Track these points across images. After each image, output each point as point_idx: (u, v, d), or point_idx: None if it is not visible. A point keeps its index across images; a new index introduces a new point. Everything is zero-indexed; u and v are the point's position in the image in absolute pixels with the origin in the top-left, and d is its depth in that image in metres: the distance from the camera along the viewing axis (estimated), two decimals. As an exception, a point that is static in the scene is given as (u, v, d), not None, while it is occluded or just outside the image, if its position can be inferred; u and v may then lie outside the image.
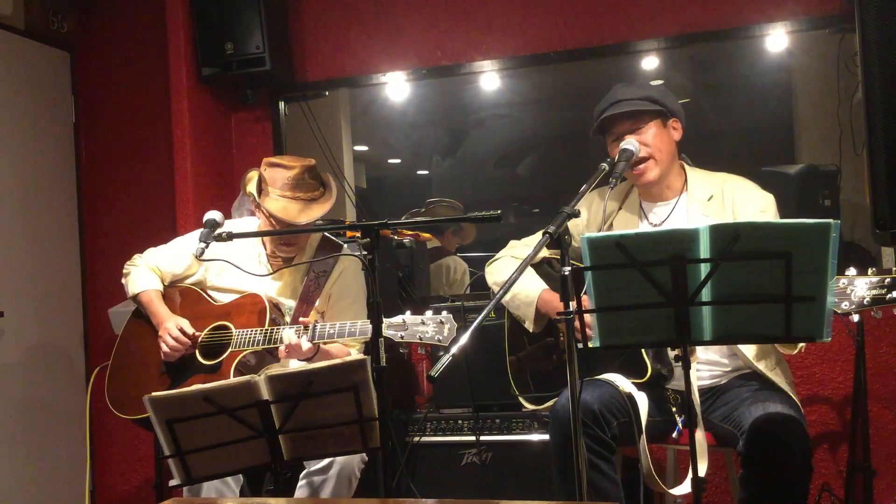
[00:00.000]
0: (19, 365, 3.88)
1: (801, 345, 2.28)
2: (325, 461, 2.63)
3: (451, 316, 2.52)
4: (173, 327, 2.84)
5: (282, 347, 2.69)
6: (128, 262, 3.08)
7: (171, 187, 3.86)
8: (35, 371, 3.96)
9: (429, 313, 2.52)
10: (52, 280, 4.11)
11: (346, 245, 3.08)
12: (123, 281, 3.06)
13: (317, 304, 2.93)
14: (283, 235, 2.89)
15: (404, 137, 4.32)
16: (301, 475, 2.69)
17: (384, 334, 2.53)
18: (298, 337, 2.67)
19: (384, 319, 2.56)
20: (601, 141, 2.73)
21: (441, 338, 2.50)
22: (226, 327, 2.86)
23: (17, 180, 3.94)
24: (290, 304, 2.94)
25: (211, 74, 3.82)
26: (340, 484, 2.63)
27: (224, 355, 2.81)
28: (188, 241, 3.04)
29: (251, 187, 2.90)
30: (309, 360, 2.74)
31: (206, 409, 1.96)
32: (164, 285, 3.03)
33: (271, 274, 2.94)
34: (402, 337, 2.52)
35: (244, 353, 2.77)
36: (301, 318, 2.76)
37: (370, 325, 2.52)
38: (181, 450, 2.01)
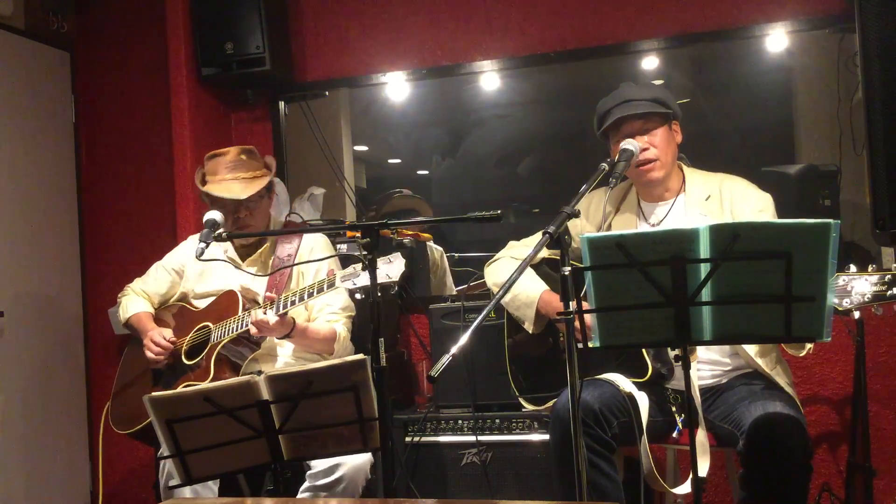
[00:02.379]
0: (19, 365, 3.88)
1: (809, 346, 2.26)
2: (332, 477, 2.61)
3: (398, 253, 2.44)
4: (156, 335, 2.92)
5: (251, 328, 2.70)
6: (119, 294, 3.20)
7: (171, 187, 3.86)
8: (35, 371, 3.96)
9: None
10: (52, 280, 4.11)
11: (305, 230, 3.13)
12: (118, 312, 3.17)
13: (291, 286, 2.95)
14: (240, 213, 2.92)
15: (404, 137, 4.31)
16: (302, 488, 2.67)
17: (338, 285, 2.54)
18: (265, 313, 2.68)
19: (336, 273, 2.56)
20: (602, 140, 2.73)
21: (390, 274, 2.40)
22: (206, 326, 2.91)
23: (17, 180, 3.94)
24: (262, 290, 2.95)
25: (211, 74, 3.82)
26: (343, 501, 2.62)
27: (204, 352, 2.85)
28: (165, 261, 3.19)
29: (198, 182, 3.00)
30: (288, 336, 2.77)
31: (206, 409, 1.96)
32: (154, 308, 3.13)
33: (270, 274, 2.96)
34: (354, 284, 2.47)
35: (221, 343, 2.80)
36: (267, 294, 2.78)
37: (329, 279, 2.56)
38: (181, 450, 2.01)
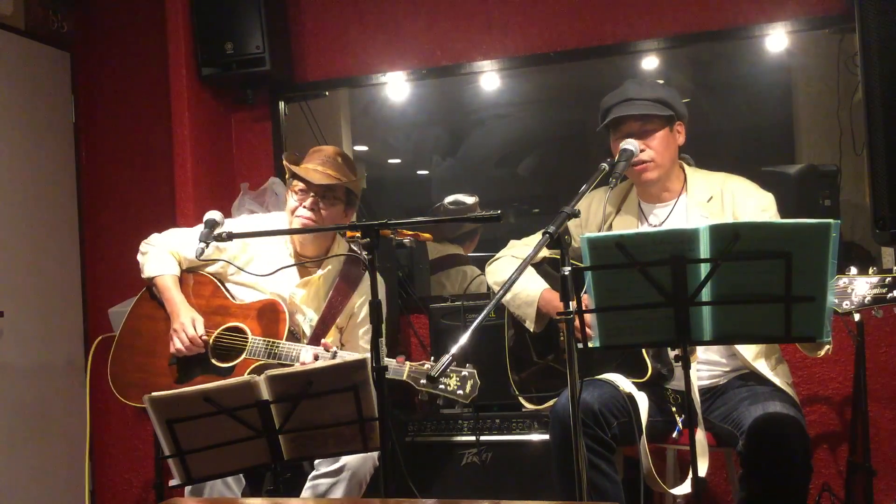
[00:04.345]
0: (19, 365, 3.88)
1: (828, 347, 2.23)
2: (337, 465, 2.61)
3: (475, 371, 2.55)
4: (189, 324, 2.79)
5: (297, 366, 2.68)
6: (145, 241, 3.02)
7: (171, 187, 3.86)
8: (35, 371, 3.96)
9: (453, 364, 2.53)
10: (52, 280, 4.11)
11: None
12: (139, 259, 3.00)
13: (337, 320, 2.92)
14: (309, 205, 2.84)
15: (404, 137, 4.31)
16: (309, 476, 2.67)
17: (405, 379, 2.57)
18: (314, 360, 2.66)
19: (408, 363, 2.60)
20: (604, 136, 2.72)
21: (462, 393, 2.54)
22: (241, 330, 2.83)
23: (17, 180, 3.94)
24: (311, 314, 2.92)
25: (211, 74, 3.82)
26: (350, 490, 2.62)
27: (237, 361, 2.78)
28: None
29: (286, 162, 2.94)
30: None
31: (206, 409, 1.96)
32: (181, 270, 2.97)
33: (272, 273, 2.83)
34: (423, 385, 2.56)
35: (258, 362, 2.74)
36: (323, 341, 2.75)
37: (395, 365, 2.58)
38: (181, 450, 2.01)
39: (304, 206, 2.84)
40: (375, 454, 2.66)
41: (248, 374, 2.72)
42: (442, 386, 2.52)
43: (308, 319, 2.90)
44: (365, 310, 2.93)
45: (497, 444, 3.08)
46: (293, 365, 2.69)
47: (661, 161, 2.60)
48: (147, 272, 2.95)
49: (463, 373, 2.54)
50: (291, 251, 2.95)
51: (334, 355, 2.68)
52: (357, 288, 2.93)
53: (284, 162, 2.90)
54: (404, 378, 2.58)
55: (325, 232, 2.92)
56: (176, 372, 2.86)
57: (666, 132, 2.61)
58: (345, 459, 2.62)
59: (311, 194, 2.83)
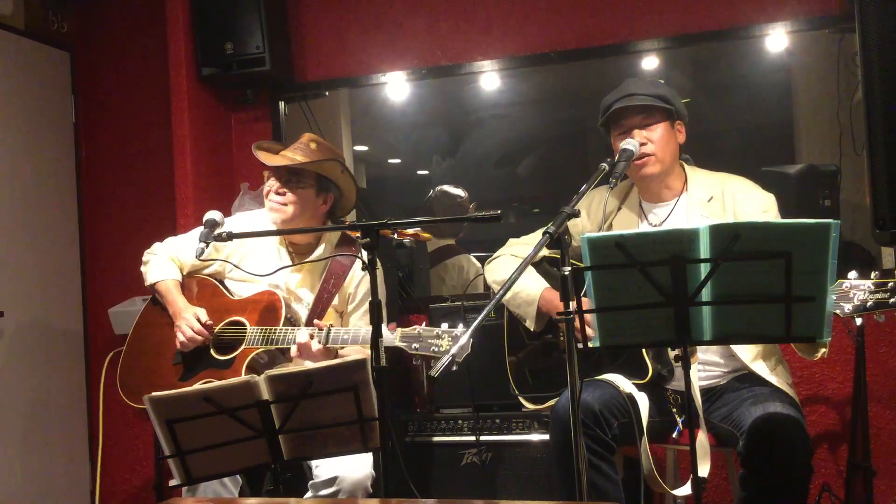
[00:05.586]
0: (19, 364, 3.88)
1: (824, 350, 2.21)
2: (331, 490, 2.59)
3: (467, 331, 2.52)
4: (191, 318, 2.83)
5: (293, 348, 2.69)
6: (147, 251, 3.07)
7: (171, 187, 3.86)
8: (35, 371, 3.96)
9: (444, 325, 2.52)
10: (52, 280, 4.11)
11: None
12: (142, 269, 3.05)
13: (335, 302, 2.92)
14: (276, 190, 2.89)
15: (404, 137, 4.32)
16: (305, 496, 2.67)
17: (397, 344, 2.55)
18: (311, 338, 2.67)
19: (399, 329, 2.58)
20: (605, 135, 2.72)
21: (456, 353, 2.50)
22: (240, 323, 2.86)
23: (17, 180, 3.94)
24: (307, 298, 2.94)
25: (211, 74, 3.82)
26: None
27: (237, 352, 2.81)
28: None
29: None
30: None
31: (206, 409, 1.96)
32: (182, 275, 3.02)
33: (271, 274, 2.85)
34: (415, 349, 2.53)
35: (256, 350, 2.77)
36: (316, 321, 2.76)
37: (387, 332, 2.53)
38: (181, 450, 2.01)
39: (272, 191, 2.92)
40: (369, 482, 2.65)
41: (248, 362, 2.76)
42: (434, 348, 2.47)
43: (305, 304, 2.93)
44: (360, 292, 2.94)
45: (497, 444, 3.08)
46: (290, 348, 2.71)
47: (661, 155, 2.59)
48: (149, 279, 3.01)
49: (454, 332, 2.49)
50: (284, 244, 2.98)
51: (328, 332, 2.68)
52: (350, 271, 2.94)
53: (253, 148, 2.95)
54: (396, 343, 2.55)
55: (315, 223, 2.97)
56: (180, 369, 2.90)
57: (667, 127, 2.61)
58: (338, 485, 2.59)
59: (277, 178, 2.90)
